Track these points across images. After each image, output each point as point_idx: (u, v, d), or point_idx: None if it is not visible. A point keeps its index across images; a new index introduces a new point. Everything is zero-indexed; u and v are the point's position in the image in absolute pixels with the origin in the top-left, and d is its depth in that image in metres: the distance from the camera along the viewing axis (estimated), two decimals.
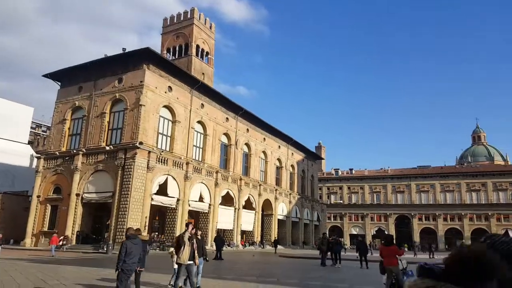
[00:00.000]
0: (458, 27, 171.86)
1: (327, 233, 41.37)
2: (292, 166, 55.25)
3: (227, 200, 39.02)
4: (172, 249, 10.00)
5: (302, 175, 58.82)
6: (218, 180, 36.51)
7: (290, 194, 52.09)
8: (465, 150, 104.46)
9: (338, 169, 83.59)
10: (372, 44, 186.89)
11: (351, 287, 11.99)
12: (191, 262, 8.60)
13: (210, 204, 35.60)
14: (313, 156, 63.97)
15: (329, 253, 20.59)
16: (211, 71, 51.50)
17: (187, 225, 9.24)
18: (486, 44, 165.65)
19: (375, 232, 74.82)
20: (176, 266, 9.32)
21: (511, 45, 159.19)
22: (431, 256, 35.34)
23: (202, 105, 37.67)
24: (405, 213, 73.44)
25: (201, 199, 34.74)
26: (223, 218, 36.97)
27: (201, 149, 37.64)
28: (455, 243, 59.78)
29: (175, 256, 9.42)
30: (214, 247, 24.72)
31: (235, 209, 39.42)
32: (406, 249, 44.61)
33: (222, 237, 27.84)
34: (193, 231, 9.12)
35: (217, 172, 36.78)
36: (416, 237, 69.95)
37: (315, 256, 28.67)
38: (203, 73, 48.38)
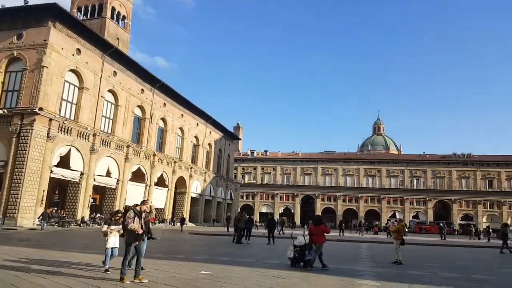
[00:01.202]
0: (366, 28, 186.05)
1: (239, 210, 42.52)
2: (210, 144, 55.02)
3: (138, 176, 37.43)
4: (106, 227, 9.11)
5: (219, 154, 59.04)
6: (129, 155, 34.70)
7: (205, 172, 51.98)
8: (366, 139, 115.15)
9: (254, 150, 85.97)
10: (301, 24, 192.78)
11: (257, 261, 12.41)
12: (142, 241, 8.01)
13: (118, 180, 33.78)
14: (230, 136, 64.48)
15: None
16: (127, 37, 48.12)
17: (143, 202, 8.52)
18: (392, 43, 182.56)
19: (282, 211, 79.21)
20: (111, 246, 8.76)
21: (413, 45, 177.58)
22: (341, 234, 37.71)
23: (115, 73, 35.01)
24: (310, 193, 78.92)
25: (108, 174, 32.75)
26: (133, 195, 35.45)
27: (111, 121, 35.17)
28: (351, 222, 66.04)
29: (117, 235, 8.87)
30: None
31: (146, 185, 38.06)
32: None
33: None
34: (148, 207, 8.39)
35: (128, 146, 34.89)
36: None
37: (225, 233, 29.26)
38: (118, 39, 44.93)
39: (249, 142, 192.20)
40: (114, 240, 8.87)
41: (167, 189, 42.07)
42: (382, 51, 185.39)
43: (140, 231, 7.67)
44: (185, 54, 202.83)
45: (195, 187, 48.87)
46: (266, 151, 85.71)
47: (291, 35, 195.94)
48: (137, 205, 8.39)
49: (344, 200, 77.87)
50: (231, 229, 25.16)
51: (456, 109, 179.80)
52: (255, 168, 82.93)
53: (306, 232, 11.93)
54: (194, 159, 50.54)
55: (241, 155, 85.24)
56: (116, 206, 32.94)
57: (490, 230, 45.83)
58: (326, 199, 78.53)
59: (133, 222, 7.65)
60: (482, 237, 41.70)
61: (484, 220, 71.08)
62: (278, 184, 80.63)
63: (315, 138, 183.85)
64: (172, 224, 41.68)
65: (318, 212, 77.03)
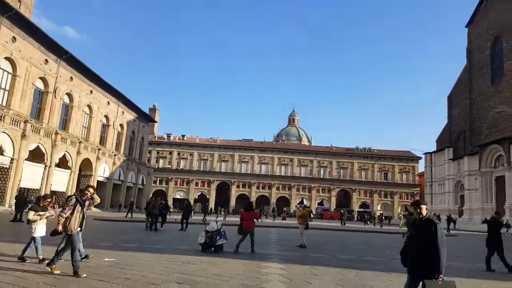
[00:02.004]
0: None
1: (151, 196, 41.09)
2: (121, 125, 51.87)
3: (37, 155, 33.77)
4: (32, 213, 8.11)
5: (132, 136, 56.05)
6: (26, 132, 31.03)
7: (115, 155, 48.99)
8: (282, 129, 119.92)
9: (171, 134, 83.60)
10: (226, 6, 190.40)
11: (167, 247, 12.14)
12: (79, 229, 7.21)
13: (12, 159, 30.07)
14: (145, 118, 61.56)
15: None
16: (31, 1, 42.55)
17: (86, 187, 7.63)
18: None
19: (197, 197, 78.86)
20: (38, 235, 7.94)
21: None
22: (261, 220, 38.62)
23: (14, 38, 30.77)
24: (226, 180, 79.80)
25: (1, 151, 28.96)
26: (29, 176, 31.92)
27: (7, 92, 30.98)
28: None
29: (45, 222, 8.10)
30: (13, 208, 21.16)
31: (45, 166, 34.54)
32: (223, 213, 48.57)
33: (25, 197, 24.05)
34: (90, 194, 7.54)
35: (26, 122, 31.16)
36: (233, 202, 77.29)
37: (132, 219, 28.11)
38: (19, 1, 39.48)
39: (166, 126, 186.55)
40: (42, 228, 8.14)
41: (69, 171, 38.74)
42: (304, 46, 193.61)
43: (59, 229, 7.02)
44: (99, 26, 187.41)
45: (102, 170, 45.84)
46: (183, 136, 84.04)
47: (213, 17, 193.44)
48: (81, 191, 7.66)
49: (258, 187, 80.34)
50: (136, 215, 24.14)
51: (362, 106, 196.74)
52: (170, 153, 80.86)
53: (220, 218, 12.24)
54: (102, 140, 47.24)
55: (156, 138, 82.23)
56: (8, 188, 29.37)
57: (383, 217, 51.32)
58: (241, 186, 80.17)
59: (71, 211, 7.03)
60: (377, 223, 46.55)
61: (379, 208, 79.53)
62: (194, 170, 79.82)
63: (234, 126, 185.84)
64: None
65: (233, 198, 78.46)
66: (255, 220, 12.43)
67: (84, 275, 6.88)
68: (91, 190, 7.58)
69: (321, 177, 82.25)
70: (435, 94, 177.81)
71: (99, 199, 7.84)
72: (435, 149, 70.69)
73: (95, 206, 38.38)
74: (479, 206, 53.37)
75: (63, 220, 6.99)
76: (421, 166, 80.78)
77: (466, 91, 62.34)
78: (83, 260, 8.12)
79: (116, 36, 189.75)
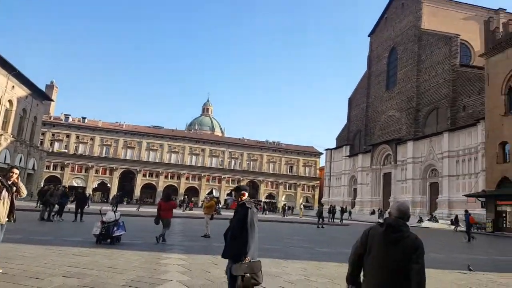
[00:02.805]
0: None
1: (44, 182, 37.05)
2: (11, 101, 45.61)
3: None
4: None
5: (22, 114, 49.70)
6: None
7: (1, 135, 43.03)
8: (195, 118, 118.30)
9: (69, 115, 75.96)
10: None
11: (57, 239, 11.08)
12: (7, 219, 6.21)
13: None
14: (40, 95, 55.07)
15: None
16: None
17: (11, 168, 6.24)
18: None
19: (97, 185, 73.61)
20: None
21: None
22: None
23: None
24: (131, 168, 75.71)
25: None
26: None
27: None
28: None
29: None
30: None
31: None
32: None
33: None
34: (16, 177, 6.21)
35: None
36: (137, 192, 73.96)
37: (21, 207, 25.02)
38: None
39: (65, 106, 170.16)
40: None
41: None
42: (223, 38, 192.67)
43: None
44: None
45: None
46: (84, 118, 77.02)
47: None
48: (5, 174, 6.22)
49: (166, 177, 78.05)
50: (23, 203, 21.54)
51: (276, 103, 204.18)
52: (68, 136, 73.47)
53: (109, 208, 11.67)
54: None
55: (52, 119, 74.07)
56: None
57: (286, 208, 54.04)
58: (148, 174, 76.92)
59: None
60: (285, 213, 48.53)
61: (283, 199, 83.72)
62: (96, 156, 73.91)
63: (143, 111, 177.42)
64: None
65: (138, 188, 75.03)
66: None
67: None
68: (16, 171, 6.28)
69: (232, 168, 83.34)
70: (339, 96, 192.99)
71: (24, 189, 6.46)
72: (335, 146, 76.87)
73: None
74: (368, 199, 59.60)
75: None
76: (322, 161, 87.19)
77: (364, 95, 68.84)
78: None
79: None
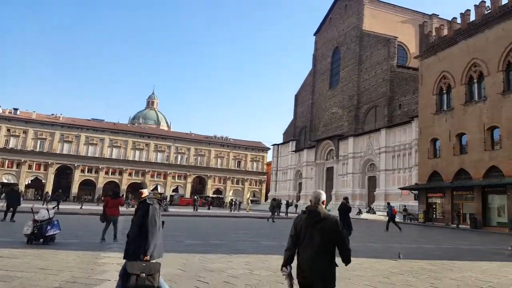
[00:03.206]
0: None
1: None
2: None
3: None
4: None
5: None
6: None
7: None
8: (139, 112, 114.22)
9: None
10: None
11: None
12: None
13: None
14: None
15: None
16: None
17: None
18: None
19: (30, 182, 68.39)
20: None
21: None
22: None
23: None
24: (68, 163, 71.22)
25: None
26: None
27: None
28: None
29: None
30: None
31: None
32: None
33: None
34: None
35: None
36: (75, 189, 69.84)
37: None
38: None
39: None
40: None
41: None
42: (173, 26, 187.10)
43: None
44: None
45: None
46: (16, 109, 70.98)
47: None
48: None
49: (107, 173, 74.49)
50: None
51: (219, 96, 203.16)
52: None
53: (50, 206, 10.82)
54: None
55: None
56: None
57: (234, 203, 54.12)
58: (86, 170, 72.78)
59: None
60: (232, 208, 48.46)
61: (231, 194, 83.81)
62: (29, 150, 68.39)
63: (82, 103, 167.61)
64: None
65: (76, 184, 70.88)
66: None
67: None
68: None
69: (178, 163, 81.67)
70: (286, 92, 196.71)
71: None
72: (282, 141, 78.43)
73: None
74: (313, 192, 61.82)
75: None
76: (269, 156, 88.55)
77: (310, 92, 70.88)
78: None
79: None
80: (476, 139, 30.63)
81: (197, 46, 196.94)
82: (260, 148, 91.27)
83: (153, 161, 78.65)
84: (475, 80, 31.97)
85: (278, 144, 77.85)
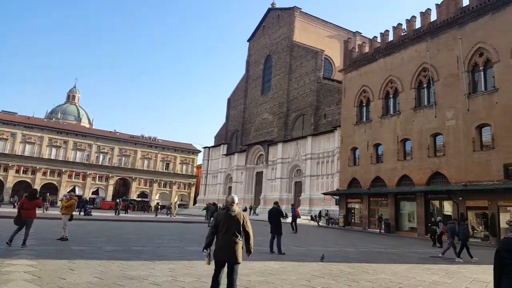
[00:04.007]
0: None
1: None
2: None
3: None
4: None
5: None
6: None
7: None
8: (58, 106, 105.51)
9: None
10: None
11: None
12: None
13: None
14: None
15: None
16: None
17: None
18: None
19: None
20: None
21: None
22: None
23: None
24: None
25: None
26: None
27: None
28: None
29: None
30: None
31: None
32: None
33: None
34: None
35: None
36: None
37: None
38: None
39: None
40: None
41: None
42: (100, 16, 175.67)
43: None
44: None
45: None
46: None
47: None
48: None
49: (17, 171, 67.35)
50: None
51: (149, 94, 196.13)
52: None
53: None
54: None
55: None
56: None
57: (159, 207, 52.33)
58: None
59: None
60: (157, 213, 46.69)
61: (157, 197, 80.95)
62: None
63: None
64: None
65: None
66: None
67: None
68: None
69: (100, 163, 76.78)
70: (219, 95, 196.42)
71: None
72: (213, 144, 77.97)
73: None
74: (242, 196, 62.13)
75: None
76: (200, 159, 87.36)
77: (242, 97, 71.65)
78: None
79: None
80: (391, 150, 33.46)
81: (127, 43, 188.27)
82: (191, 151, 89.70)
83: (71, 160, 72.98)
84: (391, 96, 34.97)
85: (209, 147, 77.22)
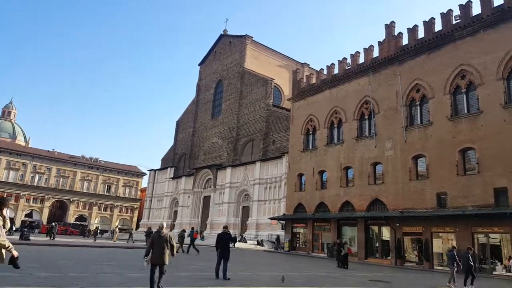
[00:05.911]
0: None
1: None
2: None
3: None
4: None
5: None
6: None
7: None
8: None
9: None
10: None
11: None
12: None
13: None
14: None
15: None
16: None
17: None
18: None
19: None
20: None
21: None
22: None
23: None
24: None
25: None
26: None
27: None
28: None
29: None
30: None
31: None
32: None
33: None
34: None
35: None
36: None
37: None
38: None
39: None
40: None
41: None
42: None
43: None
44: None
45: None
46: None
47: None
48: None
49: None
50: None
51: (93, 114, 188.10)
52: None
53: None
54: None
55: None
56: None
57: (98, 231, 49.43)
58: None
59: None
60: (96, 237, 43.94)
61: (96, 221, 76.39)
62: None
63: None
64: None
65: None
66: None
67: None
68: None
69: (35, 184, 71.41)
70: (167, 117, 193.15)
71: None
72: (160, 167, 75.92)
73: None
74: (188, 221, 60.67)
75: None
76: (145, 182, 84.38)
77: (192, 120, 71.27)
78: None
79: None
80: (334, 177, 34.92)
81: (72, 56, 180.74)
82: (135, 173, 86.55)
83: (3, 180, 67.19)
84: (335, 125, 36.83)
85: (155, 170, 75.04)
